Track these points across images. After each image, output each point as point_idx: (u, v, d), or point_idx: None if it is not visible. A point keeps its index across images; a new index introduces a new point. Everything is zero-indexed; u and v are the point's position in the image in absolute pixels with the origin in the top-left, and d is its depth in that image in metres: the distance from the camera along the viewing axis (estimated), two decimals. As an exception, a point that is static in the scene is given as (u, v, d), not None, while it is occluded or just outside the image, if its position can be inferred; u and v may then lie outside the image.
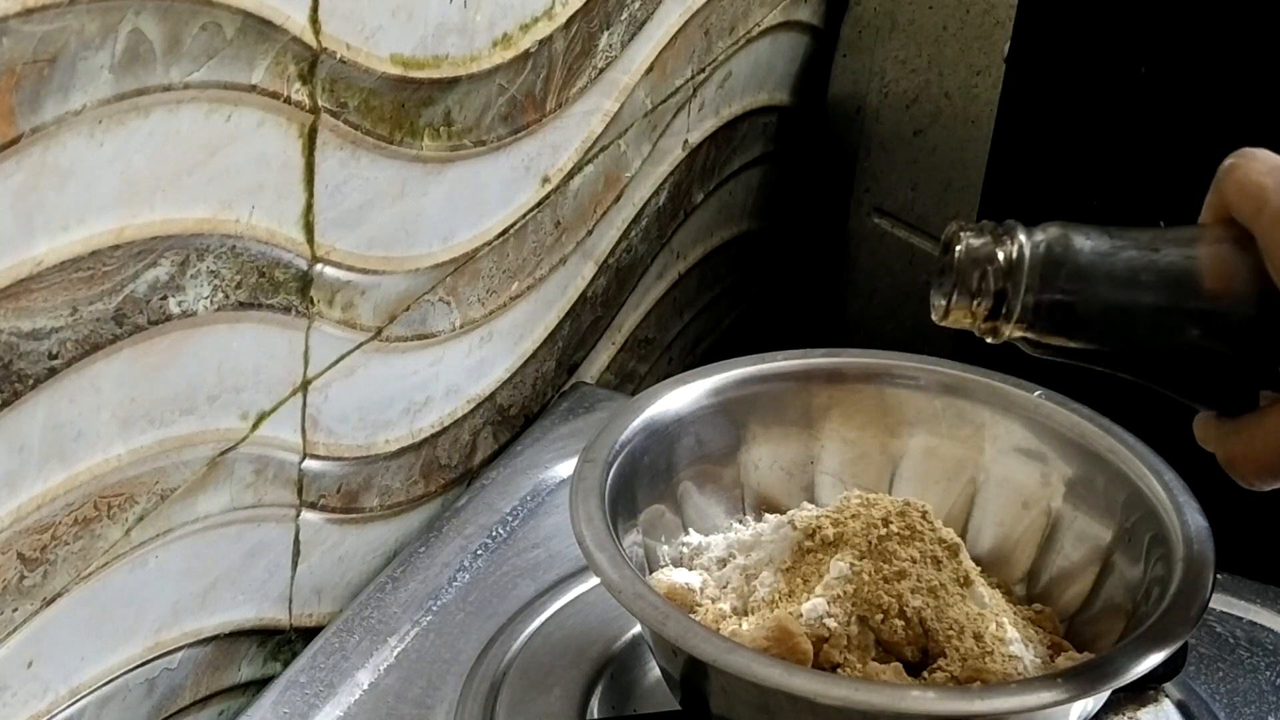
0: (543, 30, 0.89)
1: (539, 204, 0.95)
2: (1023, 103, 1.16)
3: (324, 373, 0.80)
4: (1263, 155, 0.63)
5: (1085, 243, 0.64)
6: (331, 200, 0.76)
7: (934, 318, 0.66)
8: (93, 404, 0.66)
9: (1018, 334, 0.65)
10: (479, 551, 0.88)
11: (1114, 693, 0.70)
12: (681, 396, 0.81)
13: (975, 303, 0.65)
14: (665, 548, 0.80)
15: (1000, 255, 0.64)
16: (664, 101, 1.08)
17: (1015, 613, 0.77)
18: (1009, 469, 0.82)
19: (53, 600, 0.67)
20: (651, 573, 0.78)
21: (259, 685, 0.81)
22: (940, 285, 0.66)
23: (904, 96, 1.34)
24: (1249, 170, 0.62)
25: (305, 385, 0.79)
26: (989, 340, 0.66)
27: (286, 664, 0.81)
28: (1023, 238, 0.65)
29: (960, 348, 0.92)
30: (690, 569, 0.79)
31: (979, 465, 0.83)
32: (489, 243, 0.91)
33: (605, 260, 1.06)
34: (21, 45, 0.57)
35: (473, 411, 0.95)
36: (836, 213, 1.39)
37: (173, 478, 0.71)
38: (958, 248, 0.65)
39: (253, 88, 0.69)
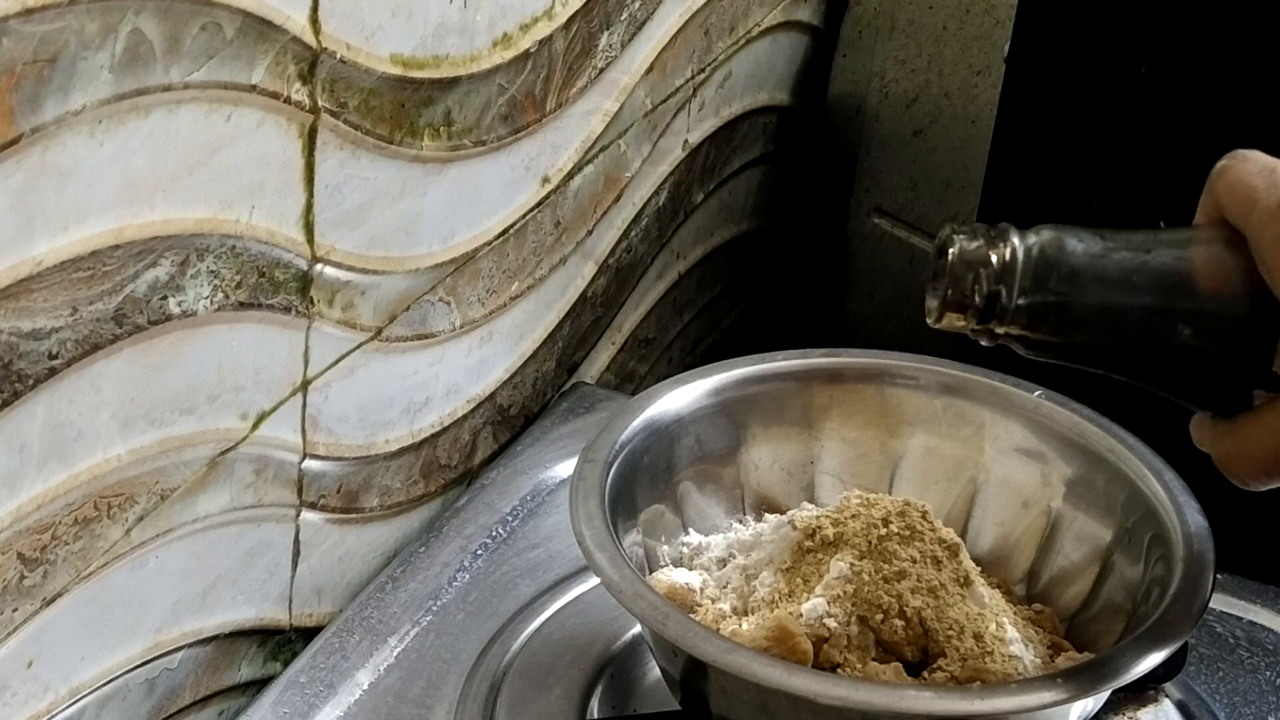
0: (543, 30, 0.89)
1: (539, 204, 0.95)
2: (1023, 103, 1.16)
3: (324, 373, 0.80)
4: (1254, 156, 0.63)
5: (1078, 245, 0.64)
6: (331, 200, 0.76)
7: (929, 321, 0.67)
8: (93, 404, 0.66)
9: (1012, 336, 0.65)
10: (479, 551, 0.88)
11: (1114, 693, 0.70)
12: (681, 396, 0.81)
13: (969, 305, 0.65)
14: (665, 548, 0.80)
15: (993, 258, 0.65)
16: (664, 101, 1.08)
17: (1015, 613, 0.77)
18: (1009, 469, 0.82)
19: (53, 600, 0.67)
20: (651, 573, 0.78)
21: (259, 685, 0.81)
22: (934, 289, 0.66)
23: (904, 96, 1.34)
24: (1240, 171, 0.63)
25: (305, 385, 0.79)
26: (984, 343, 0.66)
27: (286, 664, 0.81)
28: (1015, 240, 0.65)
29: (960, 348, 0.92)
30: (690, 569, 0.79)
31: (979, 465, 0.83)
32: (489, 243, 0.91)
33: (605, 260, 1.06)
34: (21, 45, 0.57)
35: (473, 411, 0.95)
36: (836, 213, 1.38)
37: (173, 478, 0.71)
38: (951, 251, 0.65)
39: (253, 88, 0.69)
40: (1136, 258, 0.64)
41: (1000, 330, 0.65)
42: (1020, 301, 0.64)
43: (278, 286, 0.74)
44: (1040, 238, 0.65)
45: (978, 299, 0.65)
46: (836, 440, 0.84)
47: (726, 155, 1.21)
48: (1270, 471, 0.64)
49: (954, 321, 0.66)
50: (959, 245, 0.65)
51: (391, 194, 0.81)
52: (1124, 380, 0.66)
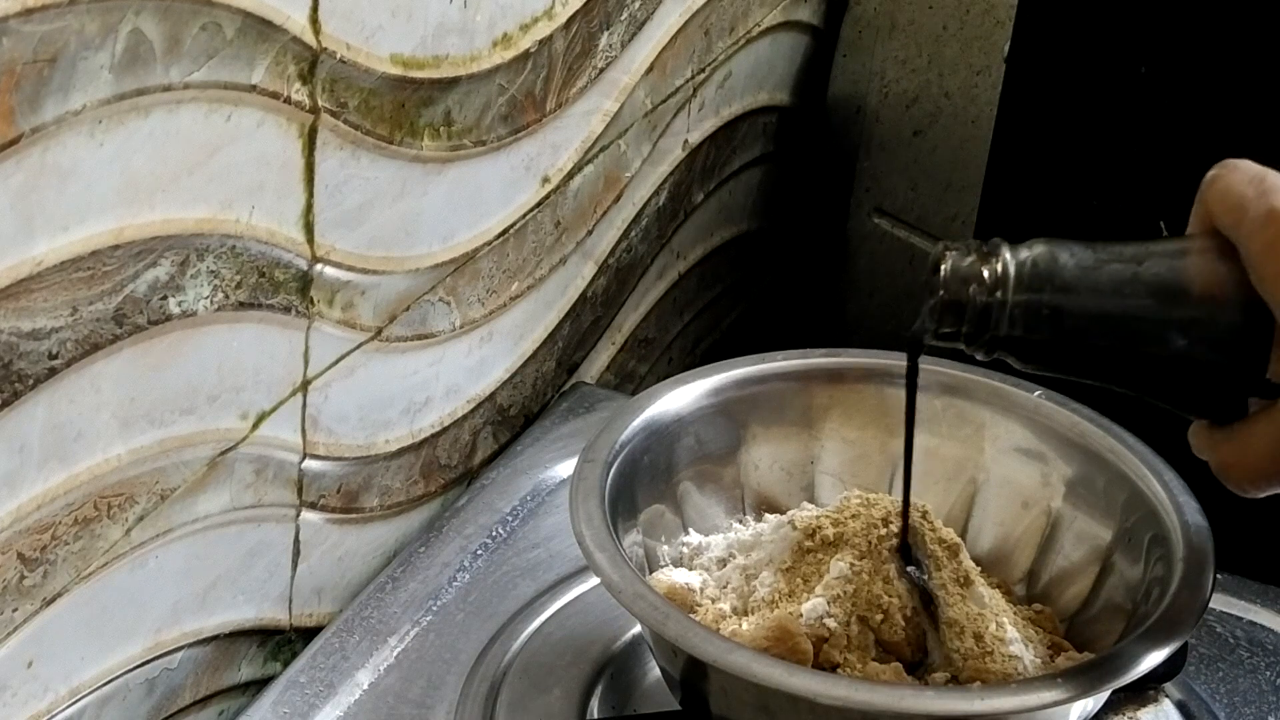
0: (543, 30, 0.89)
1: (539, 204, 0.95)
2: (1023, 103, 1.16)
3: (324, 373, 0.80)
4: (1244, 165, 0.64)
5: (1070, 258, 0.65)
6: (331, 200, 0.76)
7: (925, 337, 0.67)
8: (93, 404, 0.66)
9: (1006, 349, 0.66)
10: (479, 551, 0.88)
11: (1114, 693, 0.70)
12: (681, 396, 0.81)
13: (963, 320, 0.65)
14: (665, 548, 0.80)
15: (986, 272, 0.65)
16: (664, 101, 1.08)
17: (1015, 613, 0.77)
18: (1009, 469, 0.82)
19: (53, 600, 0.67)
20: (651, 573, 0.78)
21: (259, 685, 0.81)
22: (929, 304, 0.66)
23: (904, 96, 1.34)
24: (1230, 180, 0.63)
25: (305, 385, 0.79)
26: (979, 357, 0.67)
27: (286, 664, 0.81)
28: (1008, 254, 0.65)
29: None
30: (690, 569, 0.79)
31: (979, 465, 0.83)
32: (489, 243, 0.91)
33: (605, 260, 1.06)
34: (21, 45, 0.57)
35: (473, 411, 0.95)
36: (836, 213, 1.39)
37: (173, 478, 0.71)
38: (944, 266, 0.66)
39: (253, 88, 0.69)
40: (1129, 269, 0.64)
41: (994, 343, 0.66)
42: (1014, 315, 0.65)
43: (278, 286, 0.74)
44: (1033, 251, 0.65)
45: (971, 313, 0.65)
46: (836, 440, 0.84)
47: (726, 155, 1.21)
48: (1266, 478, 0.64)
49: (949, 336, 0.66)
50: (952, 261, 0.66)
51: (391, 194, 0.81)
52: (1119, 391, 0.66)
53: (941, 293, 0.66)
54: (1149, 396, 0.66)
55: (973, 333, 0.66)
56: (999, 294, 0.65)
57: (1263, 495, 0.65)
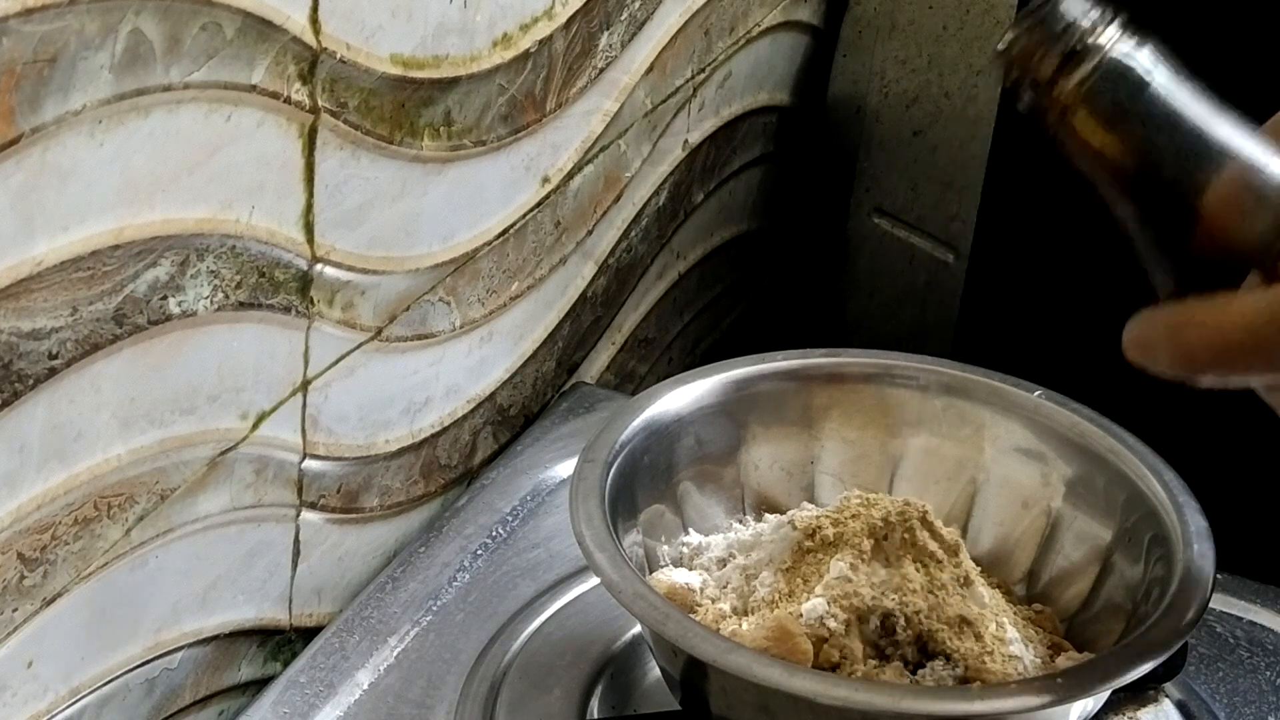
0: (543, 30, 0.89)
1: (539, 204, 0.95)
2: (1023, 102, 1.16)
3: (324, 373, 0.80)
4: None
5: (1165, 72, 0.64)
6: (331, 200, 0.76)
7: (999, 45, 0.65)
8: (93, 404, 0.66)
9: (1053, 104, 0.64)
10: (479, 551, 0.88)
11: (1114, 693, 0.70)
12: (681, 396, 0.81)
13: (1044, 49, 0.63)
14: (665, 548, 0.80)
15: (1097, 29, 0.64)
16: (664, 101, 1.08)
17: (1015, 613, 0.77)
18: (1009, 469, 0.82)
19: (53, 600, 0.67)
20: (651, 573, 0.78)
21: (259, 685, 0.81)
22: (1022, 20, 0.64)
23: (904, 96, 1.34)
24: None
25: (305, 385, 0.79)
26: (1020, 104, 0.65)
27: (286, 664, 0.82)
28: (1117, 30, 0.64)
29: (960, 348, 0.92)
30: (690, 569, 0.79)
31: (979, 465, 0.83)
32: (489, 243, 0.91)
33: (605, 260, 1.06)
34: (21, 45, 0.57)
35: (473, 411, 0.95)
36: (836, 213, 1.38)
37: (173, 478, 0.71)
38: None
39: (253, 88, 0.69)
40: (1208, 112, 0.64)
41: (1048, 92, 0.64)
42: (1088, 78, 0.63)
43: (278, 286, 0.74)
44: (1142, 41, 0.64)
45: (1058, 48, 0.63)
46: (836, 440, 0.84)
47: (726, 155, 1.21)
48: (1236, 356, 0.57)
49: (1021, 55, 0.64)
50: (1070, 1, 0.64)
51: (391, 194, 0.81)
52: (1118, 218, 0.65)
53: (1039, 21, 0.63)
54: (1146, 236, 0.64)
55: (1042, 71, 0.64)
56: (1089, 51, 0.63)
57: (1212, 382, 0.58)
